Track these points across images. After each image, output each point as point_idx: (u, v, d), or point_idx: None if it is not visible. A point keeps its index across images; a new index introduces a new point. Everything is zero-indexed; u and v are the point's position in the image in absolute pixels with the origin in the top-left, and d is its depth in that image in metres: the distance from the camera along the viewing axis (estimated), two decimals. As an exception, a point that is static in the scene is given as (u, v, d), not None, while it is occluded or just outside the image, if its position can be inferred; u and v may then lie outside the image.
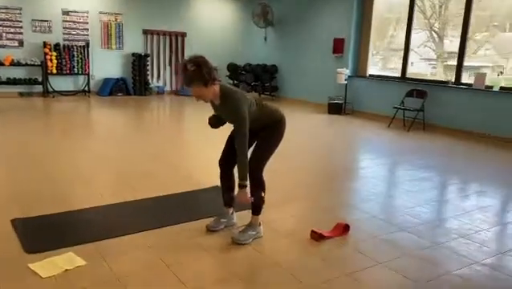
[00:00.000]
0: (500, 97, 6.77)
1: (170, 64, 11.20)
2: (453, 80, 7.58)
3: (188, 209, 3.40)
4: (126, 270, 2.44)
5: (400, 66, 9.45)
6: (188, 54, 11.16)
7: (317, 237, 2.91)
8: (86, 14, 9.89)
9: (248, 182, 2.68)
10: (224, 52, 11.43)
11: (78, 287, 2.25)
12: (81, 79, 10.05)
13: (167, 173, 4.38)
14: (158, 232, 2.96)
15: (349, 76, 8.99)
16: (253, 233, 2.87)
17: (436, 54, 10.11)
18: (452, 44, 10.64)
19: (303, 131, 7.13)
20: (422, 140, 6.82)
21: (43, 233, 2.86)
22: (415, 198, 3.99)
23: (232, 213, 3.09)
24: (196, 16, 11.31)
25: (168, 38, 11.03)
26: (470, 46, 8.72)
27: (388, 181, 4.78)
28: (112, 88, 10.17)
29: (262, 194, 2.84)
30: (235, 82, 10.78)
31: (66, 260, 2.48)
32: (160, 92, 11.03)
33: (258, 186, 2.80)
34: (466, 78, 7.81)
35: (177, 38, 11.14)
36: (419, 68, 9.51)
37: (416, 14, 8.80)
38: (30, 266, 2.41)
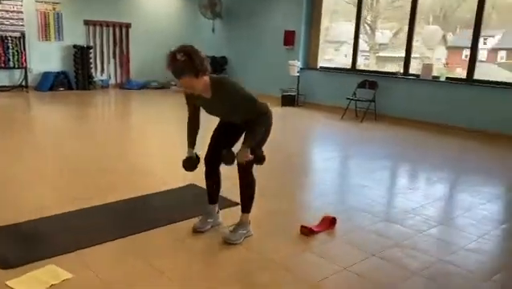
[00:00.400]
0: (446, 87, 7.14)
1: (114, 57, 10.70)
2: (402, 71, 7.88)
3: (169, 211, 3.25)
4: (116, 279, 2.28)
5: (335, 57, 9.71)
6: (133, 45, 10.74)
7: (307, 232, 2.89)
8: (20, 3, 9.15)
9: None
10: (171, 43, 11.05)
11: (69, 303, 2.07)
12: (17, 73, 9.32)
13: (132, 173, 4.16)
14: (142, 236, 2.80)
15: (301, 68, 9.07)
16: (244, 232, 2.79)
17: (369, 46, 10.48)
18: (383, 36, 11.09)
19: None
20: (376, 130, 7.03)
21: (14, 245, 2.59)
22: (385, 187, 4.09)
23: (217, 212, 2.99)
24: (140, 6, 10.86)
25: (111, 29, 10.50)
26: (401, 38, 9.07)
27: (354, 172, 4.86)
28: (53, 83, 9.53)
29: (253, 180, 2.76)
30: (184, 75, 10.51)
31: (49, 274, 2.26)
32: (105, 86, 10.52)
33: (249, 184, 2.72)
34: (395, 68, 8.19)
35: (121, 29, 10.64)
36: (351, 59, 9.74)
37: (350, 7, 9.02)
38: (9, 283, 2.18)
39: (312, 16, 9.21)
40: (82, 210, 3.14)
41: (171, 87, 10.85)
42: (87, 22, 10.08)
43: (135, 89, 10.65)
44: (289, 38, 9.36)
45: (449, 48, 11.79)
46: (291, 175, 4.42)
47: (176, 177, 3.90)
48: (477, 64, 7.06)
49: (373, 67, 9.49)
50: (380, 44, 10.85)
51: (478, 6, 6.82)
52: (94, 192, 3.55)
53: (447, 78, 7.25)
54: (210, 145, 2.82)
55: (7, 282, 2.18)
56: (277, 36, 9.56)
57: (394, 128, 7.12)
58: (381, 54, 10.91)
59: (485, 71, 7.76)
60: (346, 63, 9.09)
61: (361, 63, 9.46)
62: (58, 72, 9.66)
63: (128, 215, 3.14)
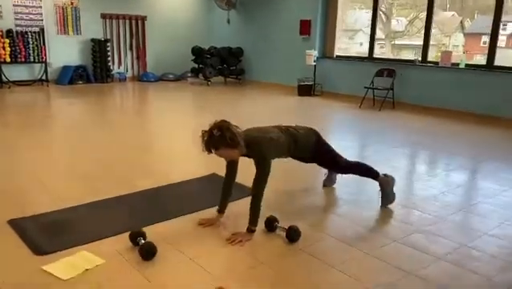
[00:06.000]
0: (466, 73, 7.06)
1: (131, 49, 10.82)
2: (420, 59, 7.80)
3: (193, 199, 3.32)
4: (146, 264, 2.35)
5: (349, 46, 9.61)
6: (149, 38, 10.84)
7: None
8: (39, -2, 9.31)
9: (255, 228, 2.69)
10: (186, 35, 11.20)
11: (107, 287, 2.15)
12: (37, 67, 9.49)
13: (155, 163, 4.26)
14: (169, 224, 2.87)
15: (317, 57, 9.04)
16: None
17: (385, 34, 10.37)
18: (399, 24, 10.97)
19: (277, 113, 7.13)
20: (396, 118, 6.99)
21: (47, 232, 2.69)
22: (406, 174, 4.10)
23: None
24: (156, -1, 10.94)
25: (128, 22, 10.61)
26: (416, 25, 8.96)
27: (374, 160, 4.86)
28: (72, 76, 9.69)
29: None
30: (200, 65, 10.58)
31: (83, 259, 2.35)
32: (122, 79, 10.65)
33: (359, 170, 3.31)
34: (411, 56, 8.06)
35: (137, 22, 10.74)
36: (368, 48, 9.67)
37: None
38: (45, 268, 2.27)
39: (328, 4, 9.15)
40: (109, 200, 3.23)
41: (188, 79, 10.93)
42: (103, 16, 10.20)
43: (152, 81, 10.77)
44: (305, 28, 9.33)
45: (467, 35, 11.59)
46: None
47: (198, 167, 3.98)
48: (497, 50, 6.94)
49: (389, 55, 9.41)
50: (396, 32, 10.74)
51: (499, -10, 6.71)
52: (118, 182, 3.64)
53: (466, 65, 7.15)
54: None
55: (43, 267, 2.27)
56: (292, 25, 9.53)
57: (414, 116, 7.07)
58: (397, 42, 10.80)
59: (505, 57, 7.65)
60: (361, 51, 9.02)
61: (377, 51, 9.41)
62: (76, 66, 9.81)
63: (153, 204, 3.22)
